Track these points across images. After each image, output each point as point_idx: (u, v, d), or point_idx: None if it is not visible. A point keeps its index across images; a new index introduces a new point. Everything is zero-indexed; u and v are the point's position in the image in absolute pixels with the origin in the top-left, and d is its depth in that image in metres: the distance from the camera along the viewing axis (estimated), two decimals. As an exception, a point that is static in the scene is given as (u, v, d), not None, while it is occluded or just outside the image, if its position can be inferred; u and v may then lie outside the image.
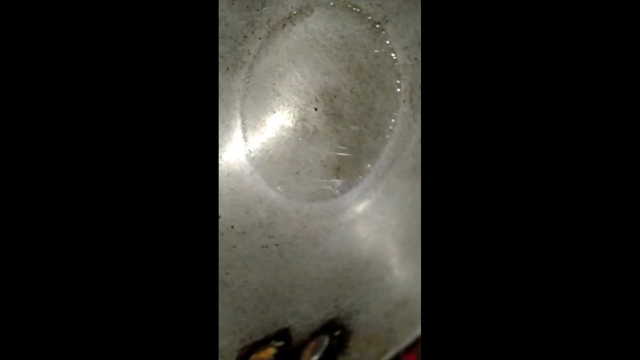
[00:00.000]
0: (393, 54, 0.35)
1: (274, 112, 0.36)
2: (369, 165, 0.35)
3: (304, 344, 0.30)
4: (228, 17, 0.35)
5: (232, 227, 0.35)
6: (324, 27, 0.35)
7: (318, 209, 0.35)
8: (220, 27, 0.35)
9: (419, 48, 0.33)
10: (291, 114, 0.36)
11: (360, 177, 0.35)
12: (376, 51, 0.35)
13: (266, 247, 0.35)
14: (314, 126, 0.36)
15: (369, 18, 0.35)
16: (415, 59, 0.34)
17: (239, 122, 0.37)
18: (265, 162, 0.36)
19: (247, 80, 0.36)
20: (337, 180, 0.36)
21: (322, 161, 0.36)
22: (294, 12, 0.35)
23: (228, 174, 0.36)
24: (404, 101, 0.35)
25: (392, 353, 0.26)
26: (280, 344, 0.30)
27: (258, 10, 0.35)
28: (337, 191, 0.36)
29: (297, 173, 0.36)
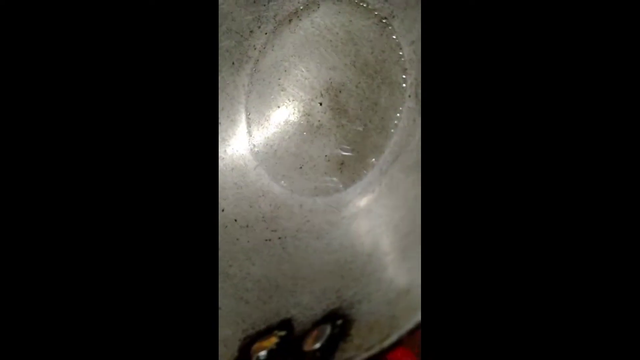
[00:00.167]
0: (399, 49, 0.35)
1: (279, 107, 0.36)
2: (373, 159, 0.35)
3: (306, 333, 0.30)
4: (234, 11, 0.35)
5: (235, 220, 0.35)
6: (330, 22, 0.35)
7: (321, 203, 0.36)
8: (226, 22, 0.35)
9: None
10: (296, 109, 0.36)
11: (365, 171, 0.35)
12: (382, 46, 0.35)
13: (269, 240, 0.35)
14: (319, 121, 0.36)
15: (376, 13, 0.35)
16: (421, 54, 0.34)
17: (243, 116, 0.37)
18: (269, 157, 0.36)
19: (252, 75, 0.36)
20: (341, 175, 0.36)
21: (326, 156, 0.36)
22: (301, 7, 0.35)
23: (232, 169, 0.36)
24: (409, 96, 0.35)
25: (394, 337, 0.26)
26: (282, 333, 0.30)
27: (265, 5, 0.35)
28: (340, 185, 0.36)
29: (301, 168, 0.36)
